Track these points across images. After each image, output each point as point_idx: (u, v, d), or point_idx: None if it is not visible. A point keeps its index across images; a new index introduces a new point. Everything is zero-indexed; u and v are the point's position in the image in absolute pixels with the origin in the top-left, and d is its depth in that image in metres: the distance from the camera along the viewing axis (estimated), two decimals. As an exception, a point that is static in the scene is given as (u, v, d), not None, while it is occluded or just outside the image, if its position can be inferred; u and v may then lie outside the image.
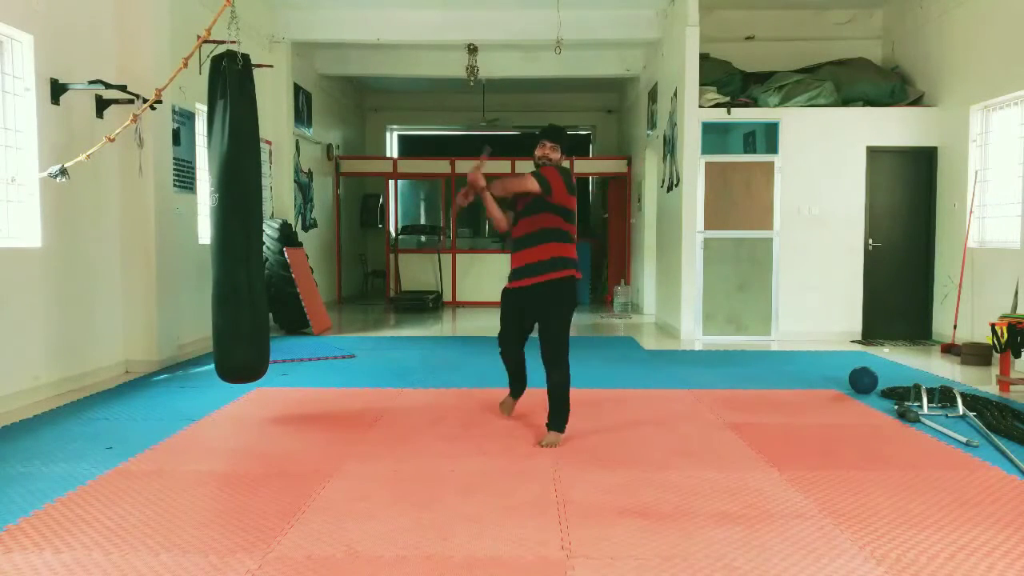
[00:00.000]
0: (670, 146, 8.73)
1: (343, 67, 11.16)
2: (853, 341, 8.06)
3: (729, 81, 8.45)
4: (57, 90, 5.31)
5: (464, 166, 12.05)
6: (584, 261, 12.21)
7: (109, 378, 5.85)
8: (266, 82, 8.87)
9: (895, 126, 8.07)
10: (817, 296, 8.15)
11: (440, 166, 12.22)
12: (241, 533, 2.85)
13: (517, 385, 4.60)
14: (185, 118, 6.92)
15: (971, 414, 4.59)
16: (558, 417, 4.08)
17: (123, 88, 5.77)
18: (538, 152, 4.16)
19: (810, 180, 8.10)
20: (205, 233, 7.18)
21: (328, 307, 10.40)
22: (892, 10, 9.01)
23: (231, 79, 4.24)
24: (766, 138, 8.44)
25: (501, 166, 11.99)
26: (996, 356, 6.08)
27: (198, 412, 4.74)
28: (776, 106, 8.15)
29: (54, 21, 5.33)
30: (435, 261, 11.87)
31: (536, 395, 5.24)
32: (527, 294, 4.10)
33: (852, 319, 8.19)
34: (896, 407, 4.74)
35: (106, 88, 5.59)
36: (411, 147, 15.46)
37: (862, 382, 5.36)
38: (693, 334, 8.17)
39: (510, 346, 4.39)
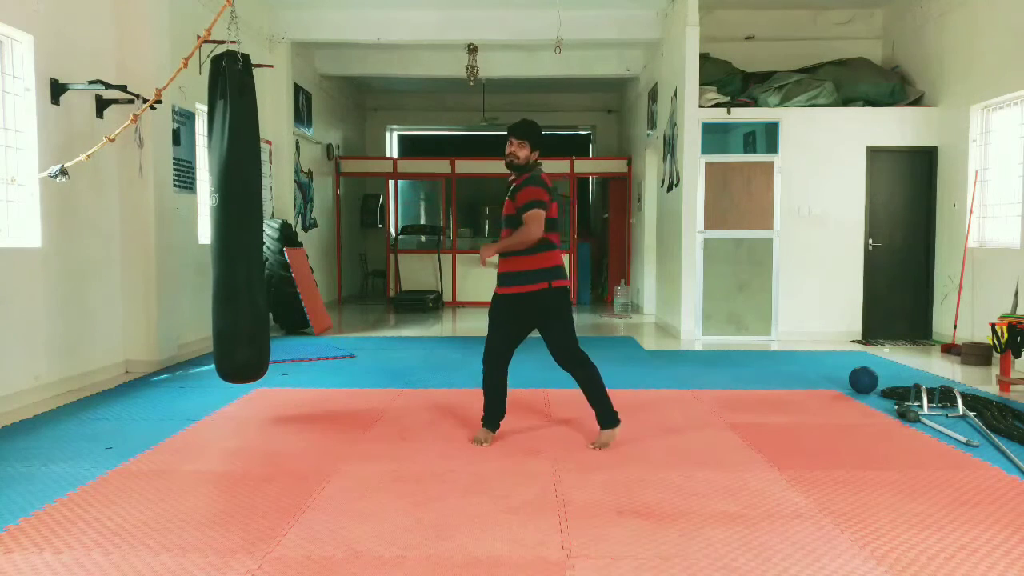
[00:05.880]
0: (670, 146, 8.73)
1: (343, 67, 11.16)
2: (853, 341, 8.05)
3: (729, 81, 8.45)
4: (57, 90, 5.31)
5: (464, 166, 12.06)
6: (584, 261, 12.23)
7: (109, 378, 5.85)
8: (266, 82, 8.88)
9: (895, 126, 8.07)
10: (817, 296, 8.15)
11: (440, 166, 12.21)
12: (241, 533, 2.86)
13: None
14: (185, 118, 6.92)
15: (971, 414, 4.59)
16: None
17: (123, 88, 5.78)
18: (507, 150, 3.97)
19: (810, 180, 8.09)
20: (205, 233, 7.19)
21: (328, 307, 10.41)
22: (892, 10, 9.01)
23: (231, 79, 4.25)
24: (766, 138, 8.44)
25: (498, 166, 11.96)
26: (996, 356, 6.08)
27: (198, 412, 4.74)
28: (776, 106, 8.15)
29: (54, 21, 5.33)
30: (435, 261, 11.87)
31: (537, 397, 5.24)
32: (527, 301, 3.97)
33: (852, 319, 8.19)
34: (896, 407, 4.74)
35: (106, 88, 5.59)
36: (411, 147, 15.46)
37: (862, 382, 5.36)
38: (693, 334, 8.16)
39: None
